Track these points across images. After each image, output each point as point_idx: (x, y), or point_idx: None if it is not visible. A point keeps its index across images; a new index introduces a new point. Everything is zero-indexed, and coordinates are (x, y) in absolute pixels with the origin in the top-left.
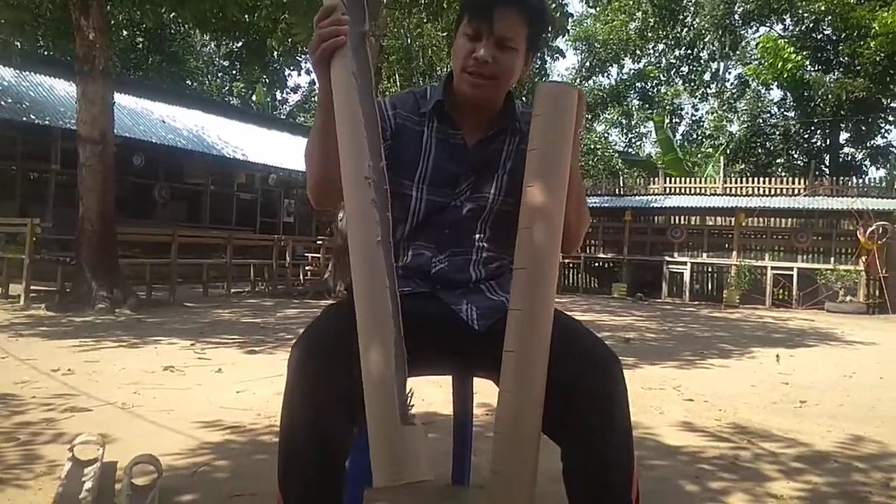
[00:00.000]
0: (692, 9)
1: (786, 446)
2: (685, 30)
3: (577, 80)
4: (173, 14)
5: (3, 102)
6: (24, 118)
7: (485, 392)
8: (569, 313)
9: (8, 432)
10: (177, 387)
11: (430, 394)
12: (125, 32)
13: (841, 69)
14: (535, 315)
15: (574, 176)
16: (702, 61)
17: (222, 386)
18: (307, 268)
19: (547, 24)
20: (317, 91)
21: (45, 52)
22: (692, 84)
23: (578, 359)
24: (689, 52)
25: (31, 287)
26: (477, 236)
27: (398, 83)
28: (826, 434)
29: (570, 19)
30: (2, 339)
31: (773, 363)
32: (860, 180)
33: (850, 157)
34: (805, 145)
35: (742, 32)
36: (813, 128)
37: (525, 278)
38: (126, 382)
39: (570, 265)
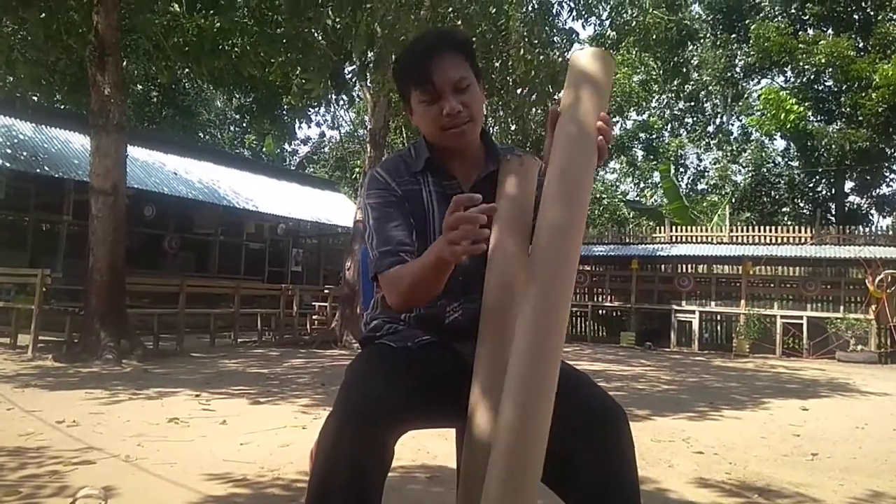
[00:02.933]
0: (695, 63)
1: (797, 502)
2: (689, 84)
3: None
4: (187, 70)
5: (19, 155)
6: (39, 170)
7: None
8: (576, 363)
9: (11, 485)
10: (181, 439)
11: (435, 446)
12: (140, 87)
13: (843, 120)
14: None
15: None
16: (705, 114)
17: (227, 438)
18: (314, 317)
19: (473, 49)
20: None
21: (62, 107)
22: (696, 135)
23: (583, 410)
24: (693, 104)
25: (40, 337)
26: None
27: (404, 135)
28: (838, 488)
29: None
30: (8, 391)
31: (785, 414)
32: (867, 229)
33: (855, 206)
34: (810, 194)
35: (744, 84)
36: (817, 177)
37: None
38: (130, 434)
39: (578, 313)
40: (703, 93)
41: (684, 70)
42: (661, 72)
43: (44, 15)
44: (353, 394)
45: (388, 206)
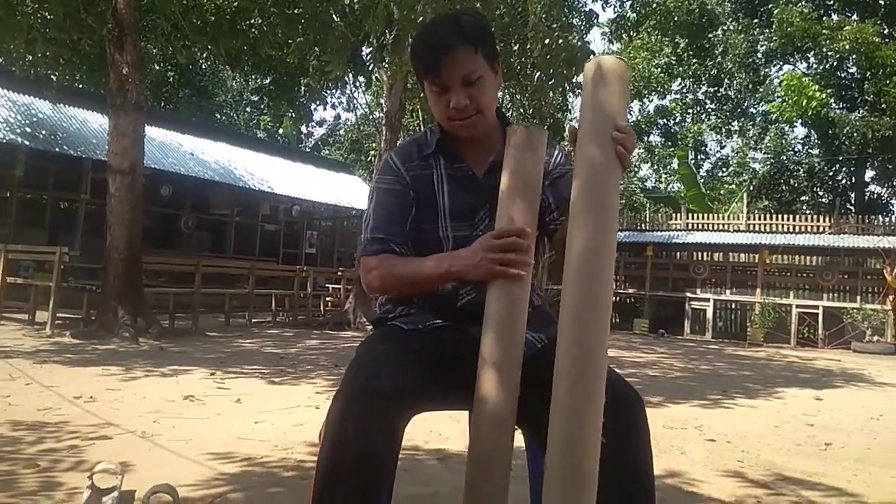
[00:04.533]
0: (721, 47)
1: (808, 490)
2: (713, 68)
3: None
4: (205, 51)
5: (38, 134)
6: (58, 149)
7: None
8: None
9: (29, 458)
10: (196, 416)
11: (447, 428)
12: (157, 67)
13: (866, 107)
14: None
15: None
16: (728, 99)
17: (241, 416)
18: (328, 299)
19: (488, 32)
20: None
21: (80, 86)
22: (719, 120)
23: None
24: (716, 89)
25: (58, 314)
26: None
27: (420, 117)
28: (852, 478)
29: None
30: (27, 366)
31: (799, 404)
32: (886, 219)
33: (875, 196)
34: (830, 183)
35: (766, 70)
36: (838, 165)
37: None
38: (146, 411)
39: None
40: (725, 78)
41: (710, 52)
42: (684, 55)
43: None
44: (360, 374)
45: (392, 195)
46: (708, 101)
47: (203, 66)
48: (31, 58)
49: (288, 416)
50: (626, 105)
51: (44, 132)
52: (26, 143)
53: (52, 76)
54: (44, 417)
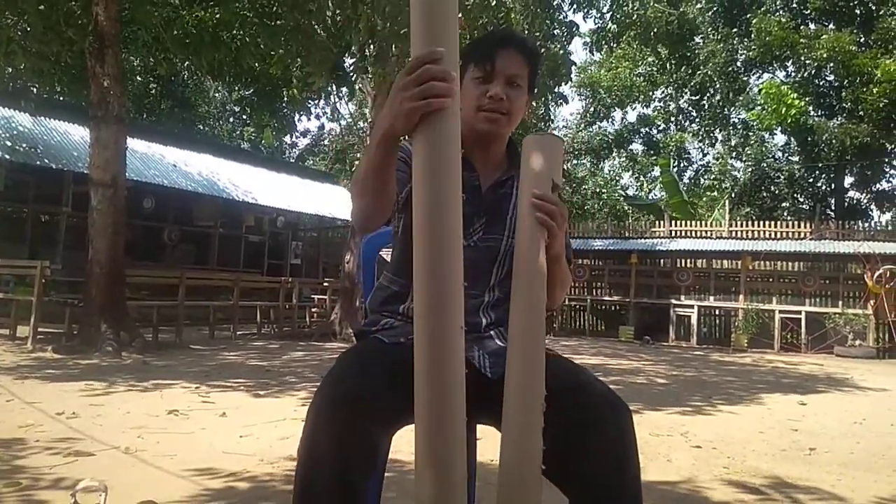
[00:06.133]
0: (702, 57)
1: (795, 494)
2: (695, 76)
3: (582, 126)
4: (187, 62)
5: (18, 147)
6: (38, 162)
7: (491, 439)
8: (575, 357)
9: (10, 477)
10: (180, 431)
11: None
12: (139, 79)
13: (844, 115)
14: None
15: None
16: (709, 107)
17: (226, 430)
18: (313, 310)
19: (541, 64)
20: (370, 124)
21: (61, 98)
22: (701, 129)
23: (586, 405)
24: (698, 97)
25: (39, 329)
26: (493, 278)
27: None
28: (836, 482)
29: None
30: (8, 382)
31: (783, 409)
32: (866, 224)
33: (855, 202)
34: (810, 189)
35: (745, 79)
36: (817, 172)
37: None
38: (130, 426)
39: (577, 307)
40: (707, 85)
41: (692, 61)
42: (666, 64)
43: (42, 6)
44: (331, 386)
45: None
46: (691, 109)
47: (185, 78)
48: (10, 70)
49: (273, 430)
50: (557, 174)
51: (24, 145)
52: (6, 156)
53: (33, 88)
54: (25, 434)
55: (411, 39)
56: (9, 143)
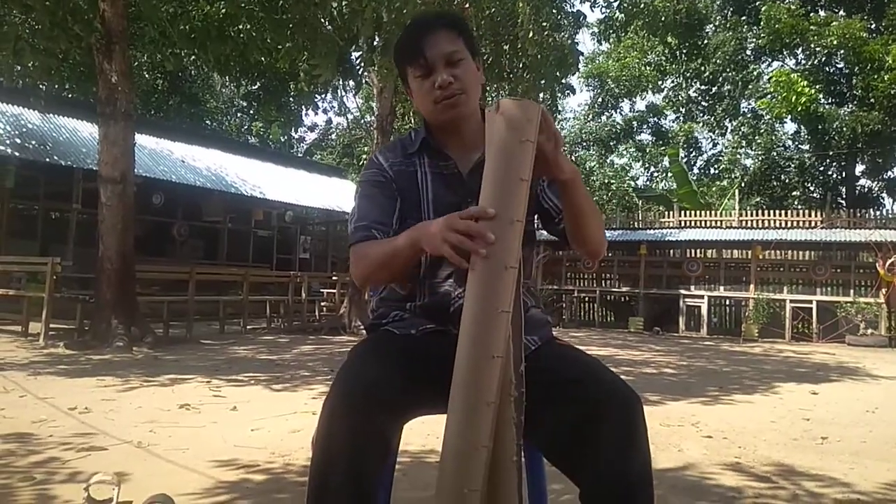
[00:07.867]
0: (713, 47)
1: (806, 483)
2: (704, 65)
3: (590, 117)
4: (193, 57)
5: (28, 145)
6: (48, 159)
7: None
8: (585, 348)
9: (24, 471)
10: (192, 425)
11: (441, 430)
12: (146, 75)
13: (855, 102)
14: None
15: (581, 191)
16: (719, 96)
17: (237, 424)
18: (323, 304)
19: (469, 27)
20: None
21: (70, 95)
22: (713, 118)
23: (598, 396)
24: (708, 86)
25: (51, 325)
26: None
27: (412, 121)
28: (849, 471)
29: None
30: (21, 378)
31: (794, 398)
32: (878, 212)
33: (866, 190)
34: (821, 178)
35: (754, 67)
36: (828, 160)
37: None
38: (142, 421)
39: (586, 299)
40: (718, 75)
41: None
42: (676, 54)
43: (49, 2)
44: (348, 380)
45: (375, 187)
46: (700, 99)
47: (192, 73)
48: (19, 68)
49: (284, 423)
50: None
51: (33, 142)
52: (16, 153)
53: (41, 86)
54: (38, 430)
55: (482, 185)
56: (18, 141)
